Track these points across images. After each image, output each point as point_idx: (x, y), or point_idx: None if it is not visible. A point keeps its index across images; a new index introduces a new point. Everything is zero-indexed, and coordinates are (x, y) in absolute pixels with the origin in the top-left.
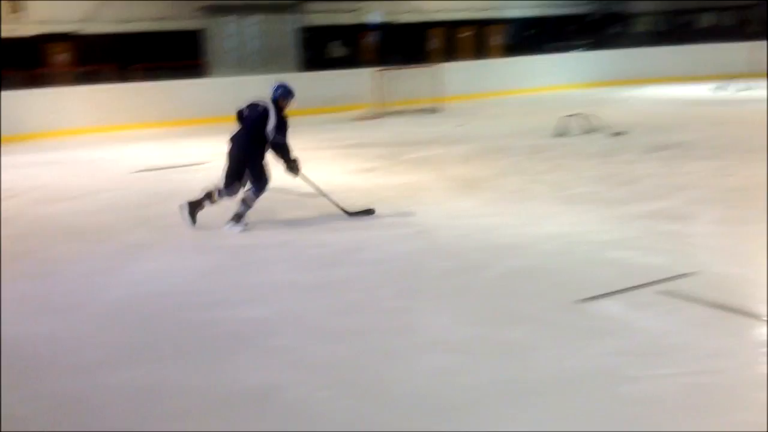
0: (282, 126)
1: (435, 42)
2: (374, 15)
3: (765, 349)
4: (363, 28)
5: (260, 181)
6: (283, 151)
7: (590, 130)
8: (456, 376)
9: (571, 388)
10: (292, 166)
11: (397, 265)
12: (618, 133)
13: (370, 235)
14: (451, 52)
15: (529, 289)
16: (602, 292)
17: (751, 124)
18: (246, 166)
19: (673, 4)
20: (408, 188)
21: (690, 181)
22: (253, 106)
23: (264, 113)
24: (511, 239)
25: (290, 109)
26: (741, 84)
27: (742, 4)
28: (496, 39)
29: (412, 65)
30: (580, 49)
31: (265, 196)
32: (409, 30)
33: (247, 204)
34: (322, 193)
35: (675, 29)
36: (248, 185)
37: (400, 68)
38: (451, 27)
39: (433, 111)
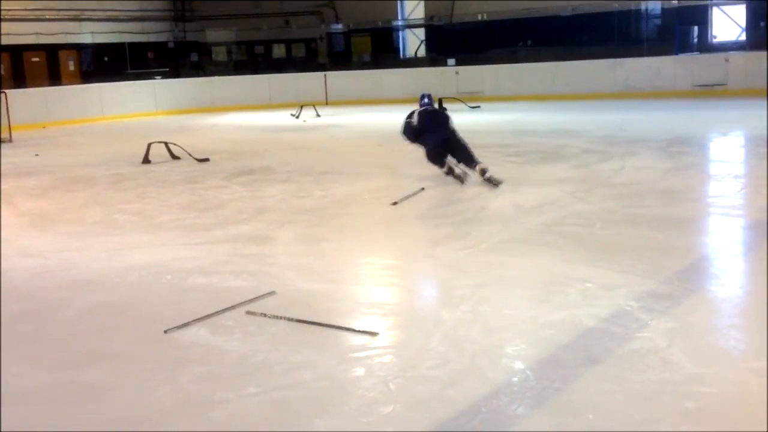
0: None
1: (1, 67)
2: None
3: (343, 355)
4: None
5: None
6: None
7: (174, 158)
8: (31, 428)
9: (159, 422)
10: None
11: None
12: (202, 160)
13: None
14: (19, 78)
15: (112, 325)
16: (188, 320)
17: (320, 148)
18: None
19: (246, 34)
20: None
21: (270, 204)
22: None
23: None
24: (93, 274)
25: None
26: (312, 111)
27: (309, 37)
28: (70, 65)
29: None
30: (160, 76)
31: None
32: None
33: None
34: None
35: (250, 59)
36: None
37: None
38: (18, 51)
39: (3, 141)
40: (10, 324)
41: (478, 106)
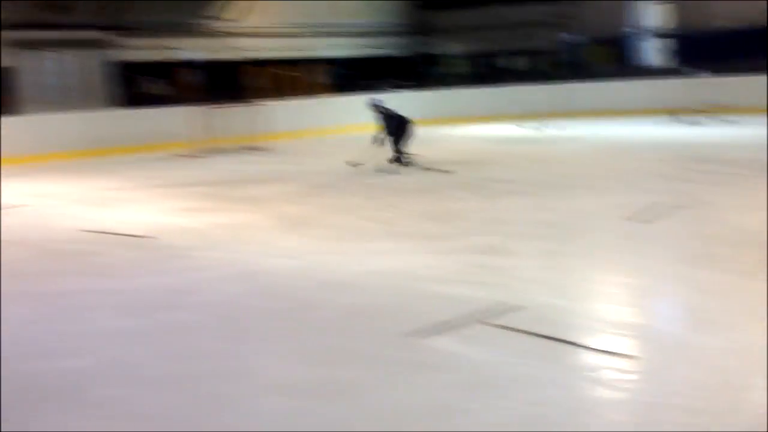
0: None
1: (258, 80)
2: (195, 52)
3: (590, 375)
4: (184, 66)
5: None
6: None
7: (416, 168)
8: (293, 420)
9: (409, 424)
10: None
11: (228, 308)
12: (442, 171)
13: (197, 277)
14: (275, 90)
15: (361, 327)
16: (433, 326)
17: (559, 161)
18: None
19: (485, 45)
20: (237, 228)
21: (511, 217)
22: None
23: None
24: (342, 277)
25: None
26: (554, 123)
27: (548, 48)
28: (320, 78)
29: (236, 103)
30: (401, 88)
31: (86, 239)
32: (232, 68)
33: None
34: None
35: (489, 70)
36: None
37: (223, 106)
38: (274, 65)
39: (259, 149)
40: (272, 320)
41: (731, 120)
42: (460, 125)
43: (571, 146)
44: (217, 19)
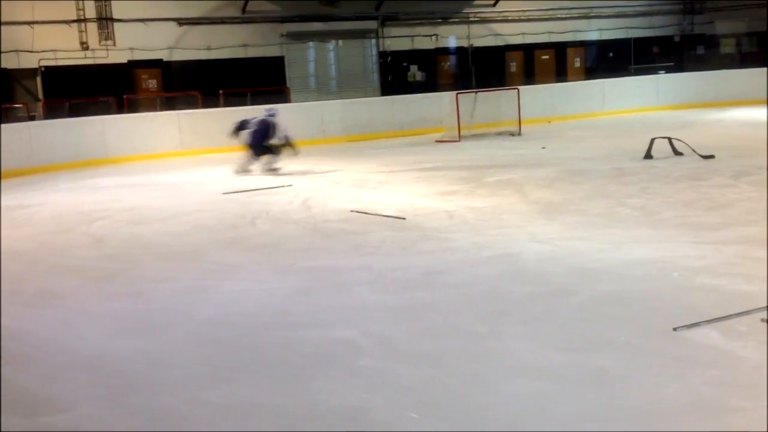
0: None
1: (514, 65)
2: (451, 39)
3: None
4: (441, 52)
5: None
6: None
7: (676, 154)
8: (547, 403)
9: (671, 419)
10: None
11: (481, 289)
12: (706, 157)
13: (452, 258)
14: (530, 75)
15: (620, 315)
16: (697, 320)
17: None
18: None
19: (759, 24)
20: (490, 211)
21: None
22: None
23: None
24: (598, 264)
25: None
26: None
27: None
28: (576, 61)
29: (491, 88)
30: (663, 71)
31: (347, 218)
32: (487, 53)
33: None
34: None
35: (761, 51)
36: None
37: (479, 91)
38: (530, 50)
39: (513, 134)
40: (525, 303)
41: None
42: (726, 109)
43: None
44: (477, 6)
